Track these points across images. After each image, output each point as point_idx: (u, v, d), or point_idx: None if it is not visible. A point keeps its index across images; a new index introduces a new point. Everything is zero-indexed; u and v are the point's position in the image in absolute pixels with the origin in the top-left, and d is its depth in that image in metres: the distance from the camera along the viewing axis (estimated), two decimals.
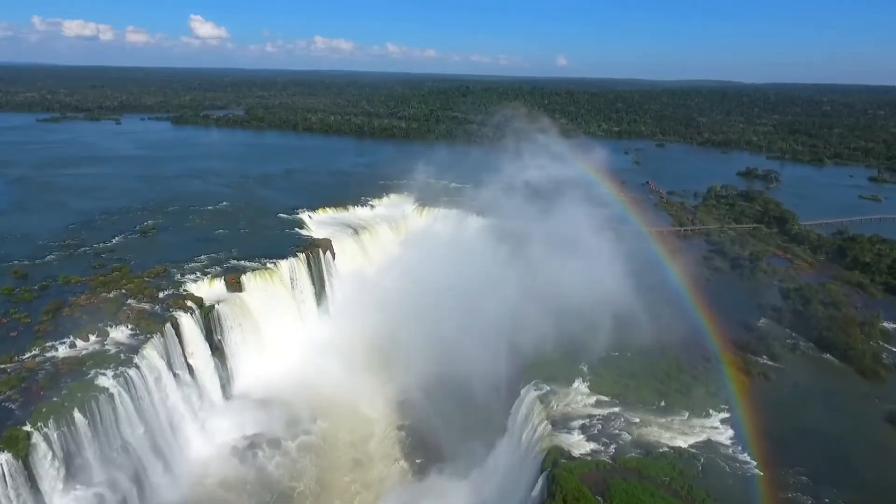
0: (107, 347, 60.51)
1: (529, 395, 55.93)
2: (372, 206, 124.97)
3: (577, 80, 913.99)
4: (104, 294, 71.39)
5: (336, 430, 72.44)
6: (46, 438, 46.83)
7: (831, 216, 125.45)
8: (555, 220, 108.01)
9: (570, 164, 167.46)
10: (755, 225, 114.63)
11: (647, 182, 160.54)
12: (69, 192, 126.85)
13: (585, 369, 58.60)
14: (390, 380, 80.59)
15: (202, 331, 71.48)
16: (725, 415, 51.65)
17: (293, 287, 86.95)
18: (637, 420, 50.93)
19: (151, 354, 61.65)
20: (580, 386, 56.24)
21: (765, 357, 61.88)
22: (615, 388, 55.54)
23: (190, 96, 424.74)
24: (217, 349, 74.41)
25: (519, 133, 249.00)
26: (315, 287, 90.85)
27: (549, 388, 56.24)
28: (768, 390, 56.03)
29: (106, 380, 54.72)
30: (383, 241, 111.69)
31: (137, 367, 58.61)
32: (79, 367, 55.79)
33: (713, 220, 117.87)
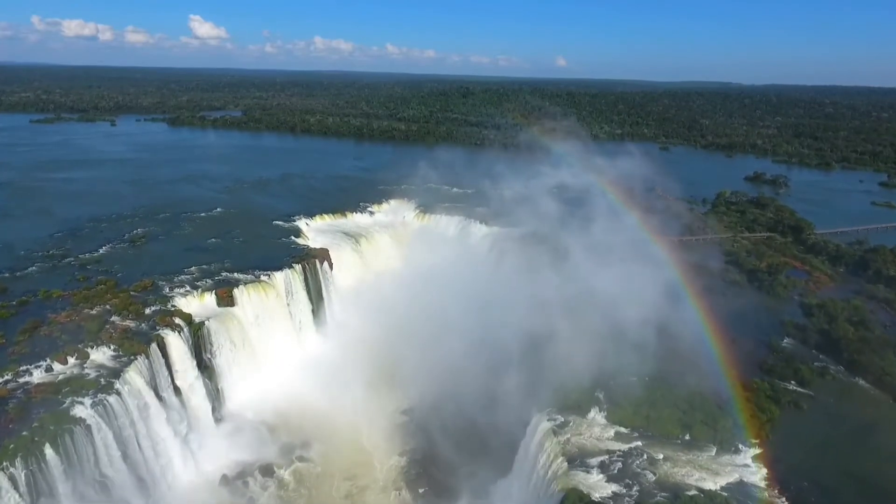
0: (86, 371, 56.19)
1: (542, 425, 51.69)
2: (371, 213, 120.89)
3: (577, 80, 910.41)
4: (87, 310, 67.09)
5: (333, 455, 68.15)
6: (12, 479, 42.54)
7: (846, 224, 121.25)
8: (560, 228, 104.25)
9: (574, 169, 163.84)
10: (769, 234, 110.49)
11: (655, 187, 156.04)
12: (57, 197, 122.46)
13: (601, 397, 54.38)
14: (391, 400, 76.58)
15: (191, 350, 67.19)
16: (757, 450, 47.48)
17: (288, 301, 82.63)
18: (660, 456, 46.72)
19: (134, 378, 57.31)
20: (596, 416, 52.04)
21: (793, 382, 57.68)
22: (635, 418, 51.34)
23: (187, 97, 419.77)
24: (207, 368, 70.21)
25: (521, 136, 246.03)
26: (312, 300, 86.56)
27: (562, 419, 52.02)
28: (800, 422, 51.82)
29: (83, 409, 50.41)
30: (383, 250, 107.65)
31: (118, 393, 54.30)
32: (54, 395, 51.49)
33: (725, 229, 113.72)
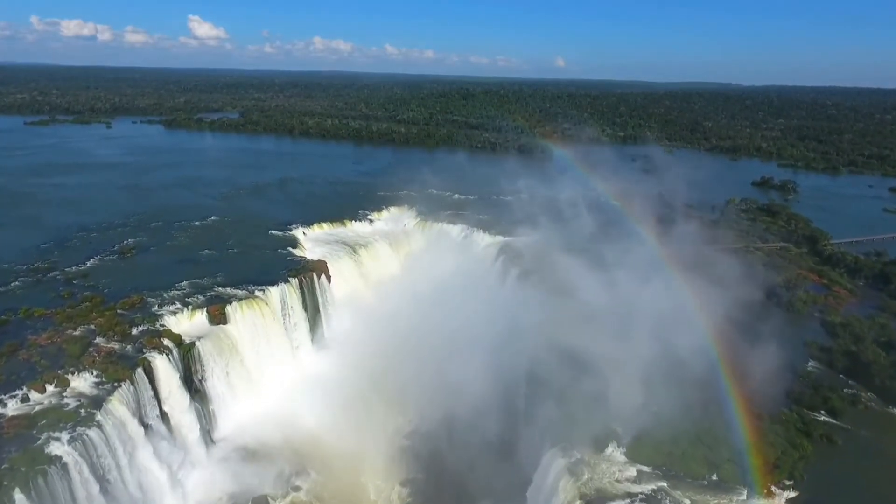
0: (65, 401, 52.40)
1: (556, 462, 47.84)
2: (371, 221, 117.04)
3: (576, 81, 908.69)
4: (69, 331, 63.39)
5: (330, 483, 64.48)
6: None
7: (861, 233, 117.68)
8: (566, 237, 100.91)
9: (579, 175, 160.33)
10: (782, 244, 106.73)
11: (661, 193, 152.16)
12: (47, 204, 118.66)
13: (619, 430, 50.46)
14: (392, 423, 72.76)
15: (180, 373, 63.34)
16: (791, 493, 43.71)
17: (284, 317, 78.78)
18: (687, 501, 42.90)
19: (118, 408, 53.53)
20: (615, 452, 48.18)
21: (823, 412, 53.90)
22: (657, 456, 47.48)
23: (185, 98, 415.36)
24: (197, 392, 66.47)
25: (523, 139, 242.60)
26: (308, 317, 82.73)
27: (578, 454, 48.11)
28: (836, 459, 48.01)
29: (59, 446, 46.57)
30: (383, 261, 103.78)
31: (100, 425, 50.52)
32: (28, 430, 47.71)
33: (736, 238, 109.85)
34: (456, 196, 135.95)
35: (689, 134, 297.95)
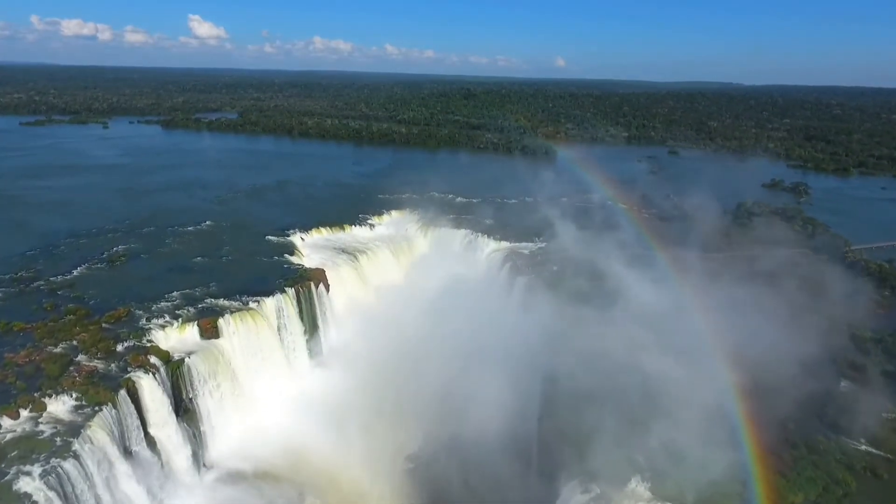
0: (40, 428, 48.31)
1: (575, 499, 43.68)
2: (372, 226, 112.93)
3: (576, 81, 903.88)
4: (50, 348, 59.40)
5: None
6: None
7: (880, 237, 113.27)
8: (572, 243, 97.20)
9: (583, 177, 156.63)
10: (800, 250, 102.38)
11: (669, 195, 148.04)
12: (36, 208, 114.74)
13: (642, 461, 46.21)
14: (394, 443, 68.58)
15: (167, 393, 59.19)
16: None
17: (280, 330, 74.65)
18: None
19: (98, 435, 49.42)
20: (638, 487, 43.94)
21: (863, 441, 49.74)
22: (685, 492, 43.16)
23: (183, 98, 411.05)
24: (187, 412, 62.33)
25: (526, 140, 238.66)
26: (306, 329, 78.57)
27: (598, 489, 43.97)
28: (883, 496, 43.75)
29: (30, 482, 42.46)
30: (385, 268, 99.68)
31: (77, 455, 46.36)
32: None
33: (751, 244, 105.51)
34: (459, 199, 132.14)
35: (694, 134, 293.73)
